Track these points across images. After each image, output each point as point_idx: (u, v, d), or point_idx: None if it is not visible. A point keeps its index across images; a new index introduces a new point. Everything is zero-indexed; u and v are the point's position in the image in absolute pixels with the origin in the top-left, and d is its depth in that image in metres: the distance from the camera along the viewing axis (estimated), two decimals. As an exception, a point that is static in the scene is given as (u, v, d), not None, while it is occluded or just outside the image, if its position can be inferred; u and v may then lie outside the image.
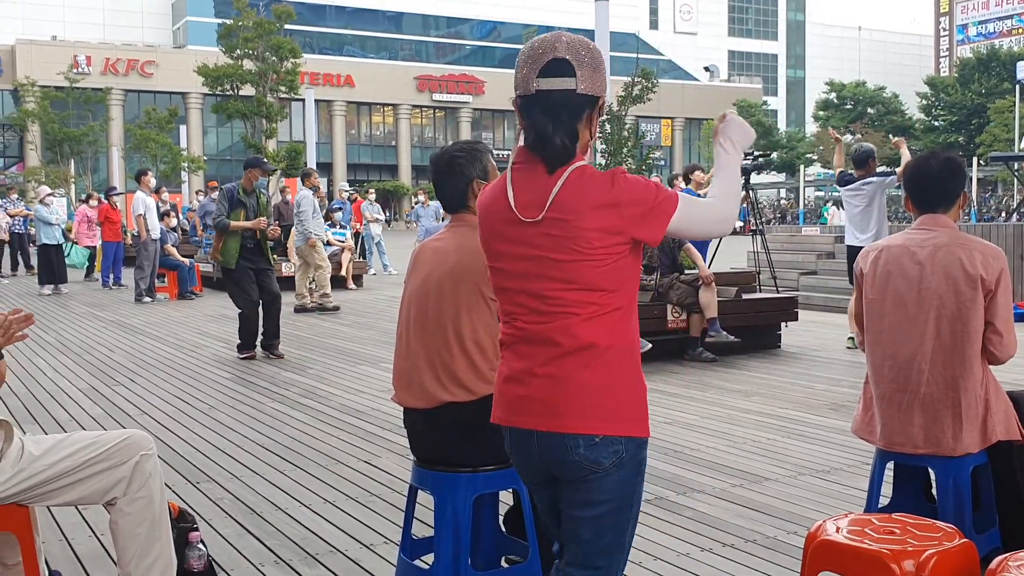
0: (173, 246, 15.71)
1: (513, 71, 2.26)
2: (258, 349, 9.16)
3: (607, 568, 2.23)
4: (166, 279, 15.46)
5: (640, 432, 2.20)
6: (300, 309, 12.91)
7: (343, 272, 16.59)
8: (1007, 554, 2.21)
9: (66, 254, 17.89)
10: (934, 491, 3.49)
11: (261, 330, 9.18)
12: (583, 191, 2.15)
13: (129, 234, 18.25)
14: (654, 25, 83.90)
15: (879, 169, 9.14)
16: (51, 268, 16.11)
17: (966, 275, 3.20)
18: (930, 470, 3.49)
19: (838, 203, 42.91)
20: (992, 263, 3.21)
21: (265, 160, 9.73)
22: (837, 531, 2.48)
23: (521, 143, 2.25)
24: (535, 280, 2.20)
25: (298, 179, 14.43)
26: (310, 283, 13.42)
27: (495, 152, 3.31)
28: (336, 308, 12.97)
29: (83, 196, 18.38)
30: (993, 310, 3.21)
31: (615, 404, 2.17)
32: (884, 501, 3.66)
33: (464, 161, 3.17)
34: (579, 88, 2.17)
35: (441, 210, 15.03)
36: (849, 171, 9.10)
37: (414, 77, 63.95)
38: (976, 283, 3.19)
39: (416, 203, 19.43)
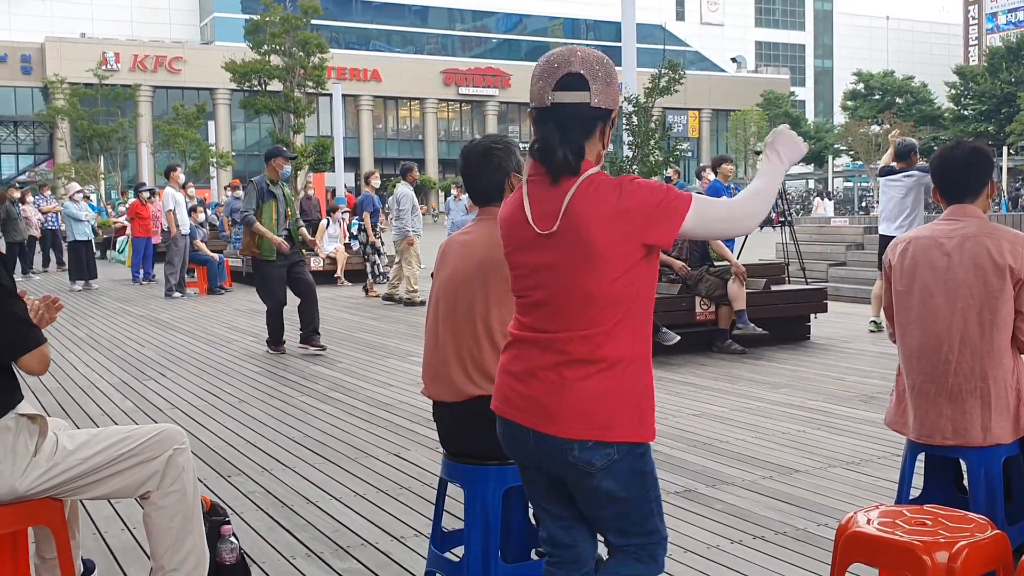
0: (202, 241, 15.84)
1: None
2: (285, 343, 9.20)
3: (646, 540, 2.33)
4: (196, 274, 15.59)
5: (632, 437, 2.25)
6: (388, 298, 13.04)
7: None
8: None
9: (119, 250, 17.97)
10: (965, 482, 3.46)
11: (300, 325, 9.08)
12: (593, 201, 2.20)
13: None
14: (680, 16, 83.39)
15: (921, 163, 9.13)
16: (81, 264, 16.31)
17: (994, 264, 3.17)
18: (961, 461, 3.46)
19: (821, 194, 42.49)
20: (1021, 251, 3.18)
21: (285, 147, 9.63)
22: (868, 523, 2.47)
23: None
24: (551, 290, 2.26)
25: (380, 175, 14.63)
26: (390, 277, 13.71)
27: (514, 145, 3.31)
28: (423, 303, 13.08)
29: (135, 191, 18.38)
30: (1022, 299, 3.18)
31: (609, 413, 2.23)
32: (915, 493, 3.64)
33: (502, 153, 3.17)
34: (592, 101, 2.23)
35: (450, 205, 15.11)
36: (892, 164, 9.17)
37: (440, 71, 64.01)
38: (1004, 272, 3.16)
39: (448, 197, 19.47)
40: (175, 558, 2.91)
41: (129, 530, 4.11)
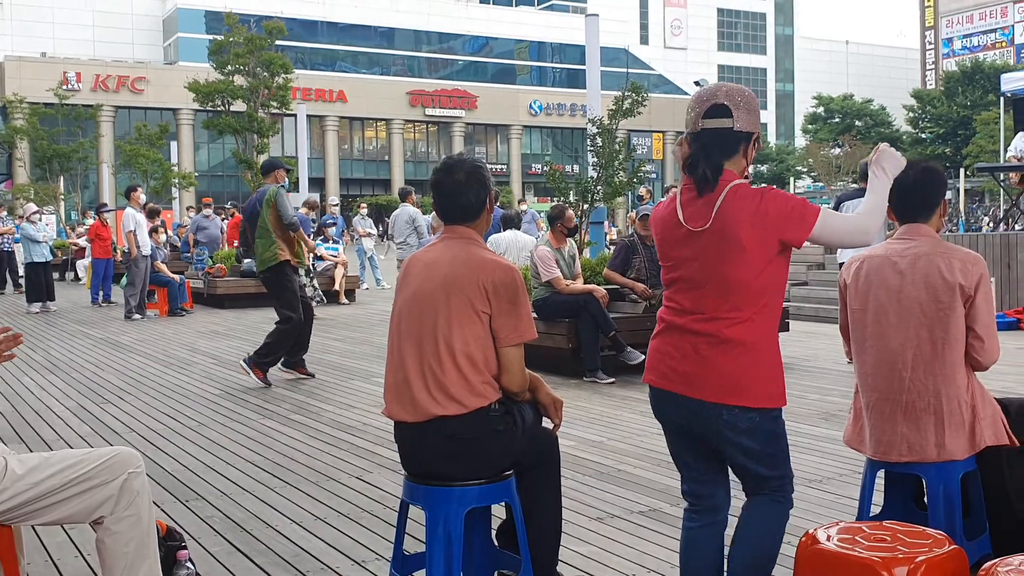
0: (163, 262, 15.67)
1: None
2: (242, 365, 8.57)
3: (780, 478, 2.82)
4: (156, 296, 15.41)
5: (769, 404, 2.75)
6: None
7: (336, 287, 16.58)
8: (996, 560, 2.20)
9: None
10: (926, 499, 3.49)
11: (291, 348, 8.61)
12: (739, 204, 2.67)
13: (119, 251, 18.21)
14: (644, 40, 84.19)
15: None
16: (39, 286, 16.06)
17: (945, 283, 3.22)
18: (922, 478, 3.48)
19: None
20: (971, 270, 3.23)
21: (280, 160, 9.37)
22: (828, 539, 2.48)
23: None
24: (699, 282, 2.73)
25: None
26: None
27: (488, 167, 3.35)
28: None
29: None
30: (973, 316, 3.23)
31: (750, 384, 2.70)
32: (875, 510, 3.66)
33: (485, 172, 3.22)
34: (735, 127, 2.74)
35: (430, 224, 15.25)
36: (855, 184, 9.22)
37: (406, 92, 64.02)
38: (955, 290, 3.21)
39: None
40: None
41: (83, 556, 4.03)
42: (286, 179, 9.01)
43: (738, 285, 2.67)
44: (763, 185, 2.78)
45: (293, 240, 8.61)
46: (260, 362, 8.35)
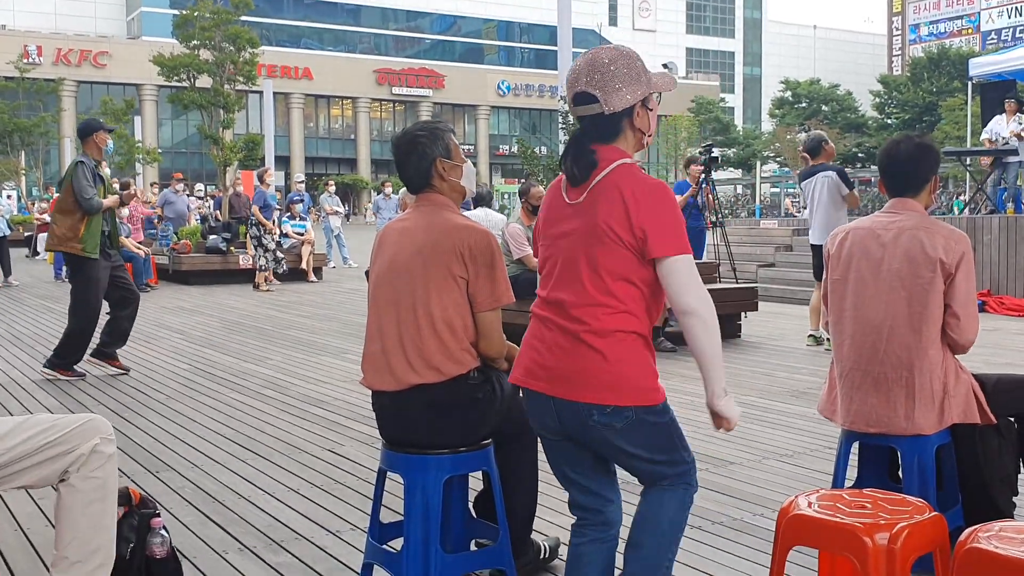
0: (127, 237, 15.45)
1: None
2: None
3: (676, 475, 2.52)
4: (121, 271, 15.18)
5: (646, 401, 2.44)
6: None
7: (303, 265, 16.46)
8: (977, 526, 2.22)
9: None
10: (900, 472, 3.51)
11: (108, 331, 7.59)
12: (621, 184, 2.39)
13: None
14: (613, 22, 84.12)
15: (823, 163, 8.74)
16: None
17: (926, 257, 3.22)
18: (897, 450, 3.51)
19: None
20: (953, 247, 3.22)
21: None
22: (809, 506, 2.49)
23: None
24: (572, 260, 2.46)
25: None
26: None
27: (443, 130, 3.25)
28: None
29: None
30: (952, 293, 3.23)
31: (625, 379, 2.41)
32: (848, 484, 3.68)
33: (426, 140, 3.14)
34: (606, 111, 2.43)
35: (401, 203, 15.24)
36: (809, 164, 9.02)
37: (373, 70, 63.56)
38: (935, 266, 3.21)
39: (378, 195, 19.44)
40: (82, 550, 2.75)
41: (53, 526, 3.96)
42: (109, 143, 7.50)
43: (604, 268, 2.39)
44: (661, 182, 2.48)
45: (76, 225, 7.14)
46: (60, 363, 7.36)
